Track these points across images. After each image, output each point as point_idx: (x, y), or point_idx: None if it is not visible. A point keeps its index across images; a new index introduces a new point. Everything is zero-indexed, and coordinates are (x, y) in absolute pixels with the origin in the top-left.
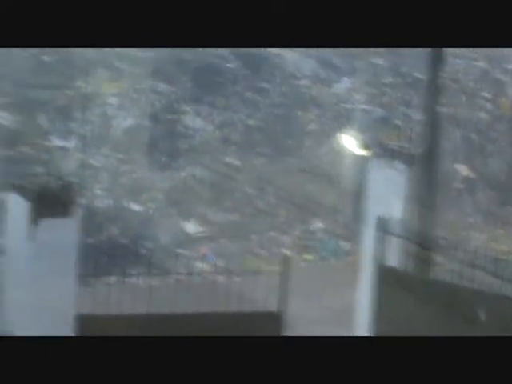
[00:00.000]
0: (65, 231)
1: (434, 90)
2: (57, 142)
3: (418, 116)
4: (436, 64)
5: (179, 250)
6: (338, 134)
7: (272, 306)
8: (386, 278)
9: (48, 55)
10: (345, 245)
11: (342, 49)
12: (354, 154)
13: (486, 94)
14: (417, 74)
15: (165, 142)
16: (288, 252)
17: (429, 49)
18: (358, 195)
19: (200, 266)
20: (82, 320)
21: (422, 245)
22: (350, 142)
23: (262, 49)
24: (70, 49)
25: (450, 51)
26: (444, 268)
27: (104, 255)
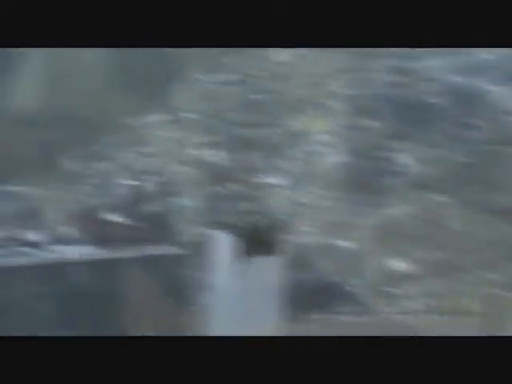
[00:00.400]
0: (272, 268)
1: None
2: (266, 179)
3: None
4: None
5: (387, 288)
6: None
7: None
8: None
9: (257, 94)
10: None
11: None
12: None
13: None
14: None
15: (372, 178)
16: (497, 290)
17: None
18: None
19: (408, 304)
20: None
21: None
22: None
23: (472, 86)
24: (280, 88)
25: None
26: None
27: (311, 292)
